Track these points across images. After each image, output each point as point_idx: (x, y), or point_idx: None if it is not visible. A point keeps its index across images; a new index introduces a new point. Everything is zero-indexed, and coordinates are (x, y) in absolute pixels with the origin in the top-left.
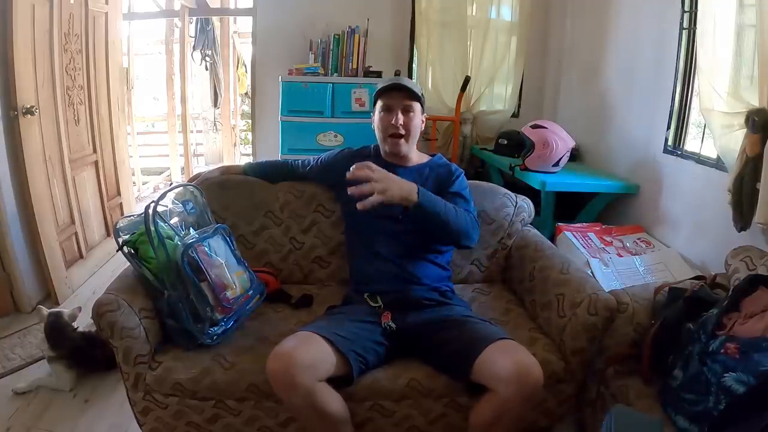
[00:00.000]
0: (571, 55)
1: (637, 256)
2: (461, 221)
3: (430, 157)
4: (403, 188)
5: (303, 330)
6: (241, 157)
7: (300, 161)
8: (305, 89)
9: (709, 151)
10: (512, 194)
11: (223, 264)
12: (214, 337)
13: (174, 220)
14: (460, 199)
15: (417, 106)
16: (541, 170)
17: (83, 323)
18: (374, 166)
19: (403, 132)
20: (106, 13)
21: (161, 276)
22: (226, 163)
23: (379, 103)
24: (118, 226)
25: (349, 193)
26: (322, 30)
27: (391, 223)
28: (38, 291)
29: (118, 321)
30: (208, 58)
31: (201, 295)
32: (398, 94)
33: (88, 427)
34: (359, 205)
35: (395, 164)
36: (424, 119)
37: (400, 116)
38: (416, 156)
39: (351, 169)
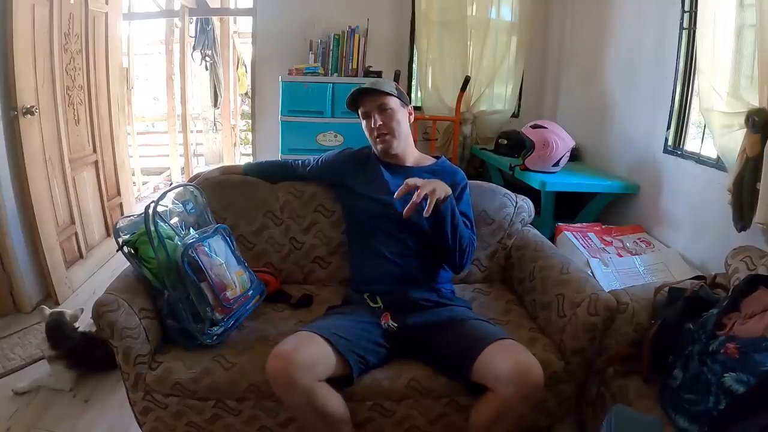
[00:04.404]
0: (571, 55)
1: (637, 256)
2: (469, 243)
3: (435, 160)
4: (440, 184)
5: (303, 330)
6: (241, 157)
7: (300, 161)
8: (305, 89)
9: (709, 151)
10: (512, 194)
11: (223, 264)
12: (214, 337)
13: (174, 220)
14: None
15: (393, 101)
16: (541, 170)
17: (84, 323)
18: (414, 179)
19: (385, 131)
20: (106, 13)
21: (161, 276)
22: (226, 163)
23: (359, 113)
24: (118, 226)
25: (405, 216)
26: (322, 30)
27: (392, 224)
28: (38, 291)
29: (118, 321)
30: (208, 58)
31: (201, 295)
32: (369, 98)
33: (88, 427)
34: (405, 214)
35: (392, 164)
36: (411, 112)
37: (377, 118)
38: (416, 156)
39: (397, 194)
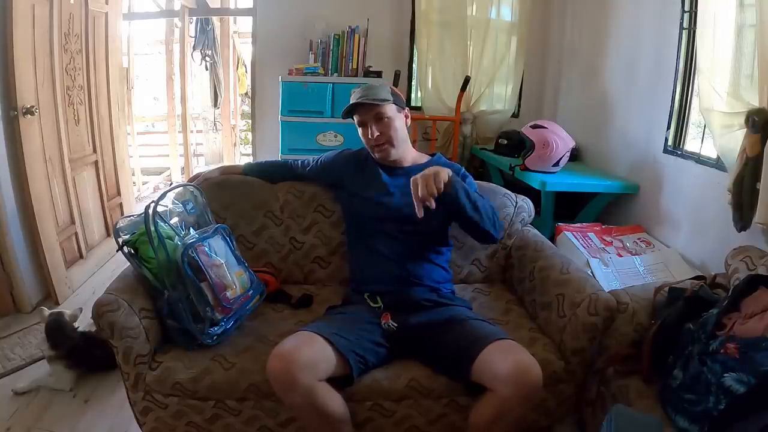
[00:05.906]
0: (571, 55)
1: (637, 256)
2: (492, 209)
3: (430, 157)
4: (438, 169)
5: (303, 330)
6: (241, 157)
7: (299, 161)
8: (305, 89)
9: (709, 151)
10: (512, 194)
11: (223, 264)
12: (214, 337)
13: (174, 220)
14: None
15: (389, 109)
16: (541, 170)
17: (83, 323)
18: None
19: (383, 141)
20: (106, 13)
21: (161, 276)
22: (226, 163)
23: (355, 120)
24: (118, 226)
25: (420, 216)
26: (322, 30)
27: (392, 224)
28: (38, 291)
29: (118, 321)
30: (208, 58)
31: (201, 295)
32: (365, 107)
33: (88, 427)
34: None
35: (390, 167)
36: (407, 115)
37: (374, 128)
38: (413, 156)
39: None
